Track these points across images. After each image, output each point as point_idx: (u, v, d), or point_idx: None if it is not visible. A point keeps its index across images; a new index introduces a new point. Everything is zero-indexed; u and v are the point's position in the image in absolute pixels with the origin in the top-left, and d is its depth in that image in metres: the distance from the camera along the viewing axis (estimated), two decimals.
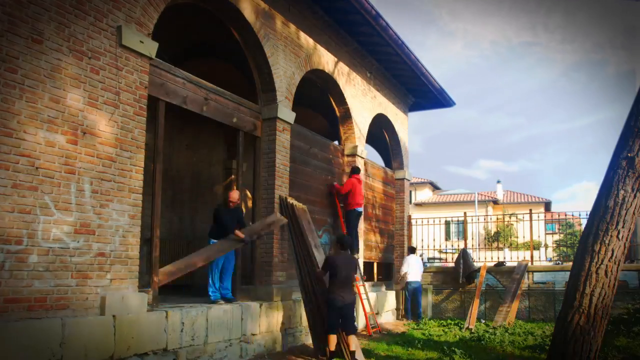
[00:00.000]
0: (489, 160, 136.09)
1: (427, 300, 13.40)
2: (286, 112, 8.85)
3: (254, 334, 7.72)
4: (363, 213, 11.54)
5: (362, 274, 10.25)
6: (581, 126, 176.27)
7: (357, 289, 9.52)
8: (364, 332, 10.33)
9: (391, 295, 13.27)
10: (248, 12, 7.92)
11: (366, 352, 8.37)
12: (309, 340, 9.12)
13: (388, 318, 12.79)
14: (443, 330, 10.90)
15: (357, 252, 10.65)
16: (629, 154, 5.31)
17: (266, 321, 7.97)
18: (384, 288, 13.31)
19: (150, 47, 6.15)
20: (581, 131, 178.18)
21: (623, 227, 5.27)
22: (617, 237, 5.26)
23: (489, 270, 13.11)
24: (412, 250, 13.26)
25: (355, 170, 10.99)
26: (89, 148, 5.42)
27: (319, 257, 8.18)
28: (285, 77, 8.91)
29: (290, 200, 8.74)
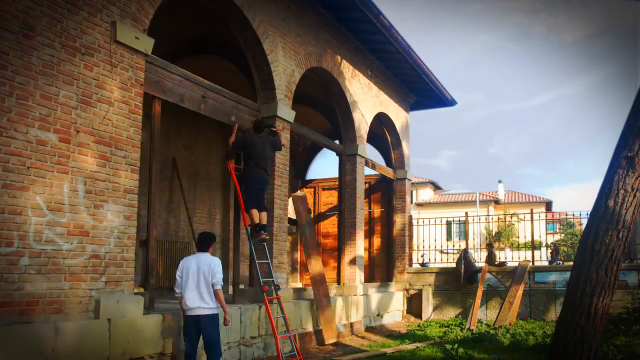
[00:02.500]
0: (451, 149, 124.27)
1: (429, 301, 13.29)
2: (286, 111, 8.70)
3: (253, 337, 7.57)
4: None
5: (275, 281, 7.92)
6: (539, 104, 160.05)
7: (265, 302, 7.41)
8: None
9: (396, 296, 13.16)
10: (247, 8, 7.76)
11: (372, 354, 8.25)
12: (310, 343, 8.99)
13: (390, 319, 12.67)
14: (444, 332, 10.80)
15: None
16: (629, 154, 5.33)
17: (266, 324, 7.82)
18: (390, 289, 13.19)
19: (146, 44, 6.00)
20: (540, 110, 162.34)
21: (623, 226, 5.29)
22: (617, 236, 5.29)
23: (491, 271, 13.01)
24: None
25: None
26: (82, 147, 5.26)
27: None
28: (285, 75, 8.76)
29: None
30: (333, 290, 10.57)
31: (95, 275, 5.35)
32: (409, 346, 9.00)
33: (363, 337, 10.23)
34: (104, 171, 5.48)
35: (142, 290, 6.34)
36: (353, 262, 11.19)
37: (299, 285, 14.63)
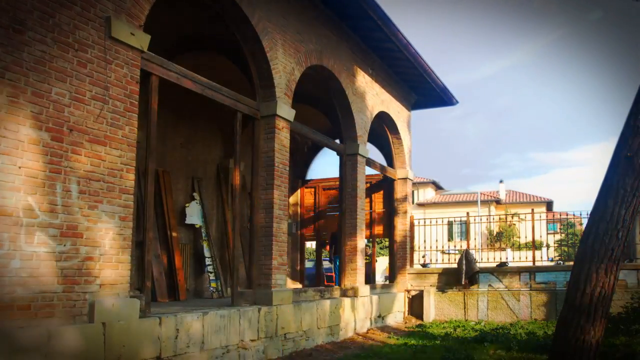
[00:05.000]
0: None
1: (430, 302, 13.16)
2: (285, 109, 8.55)
3: (252, 340, 7.43)
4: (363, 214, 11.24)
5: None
6: (491, 75, 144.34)
7: None
8: None
9: (397, 297, 13.05)
10: (245, 4, 7.60)
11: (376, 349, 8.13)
12: (310, 345, 8.85)
13: (392, 320, 12.55)
14: (446, 332, 10.72)
15: None
16: (628, 154, 5.36)
17: (265, 326, 7.68)
18: (392, 290, 13.05)
19: (142, 40, 5.84)
20: (493, 81, 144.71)
21: (623, 226, 5.32)
22: (617, 236, 5.33)
23: (492, 271, 12.93)
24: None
25: None
26: (76, 146, 5.10)
27: None
28: (285, 73, 8.60)
29: None
30: (334, 291, 10.42)
31: (90, 278, 5.20)
32: (410, 347, 8.88)
33: (364, 338, 10.11)
34: (98, 171, 5.32)
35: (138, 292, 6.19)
36: (354, 262, 11.04)
37: (299, 286, 14.49)
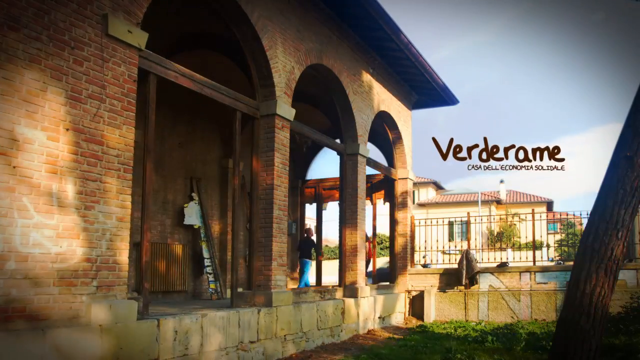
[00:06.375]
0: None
1: (431, 303, 13.09)
2: (285, 109, 8.46)
3: (252, 342, 7.35)
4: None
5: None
6: (446, 57, 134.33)
7: None
8: None
9: (398, 298, 12.99)
10: (245, 2, 7.52)
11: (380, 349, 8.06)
12: (310, 347, 8.78)
13: (392, 321, 12.50)
14: (447, 332, 10.63)
15: None
16: (628, 153, 5.37)
17: (265, 328, 7.60)
18: (392, 290, 12.98)
19: (140, 38, 5.75)
20: (448, 63, 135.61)
21: (622, 226, 5.34)
22: (617, 236, 5.34)
23: (492, 271, 12.87)
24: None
25: None
26: (72, 145, 5.02)
27: None
28: (285, 72, 8.52)
29: None
30: (335, 292, 10.34)
31: (86, 280, 5.12)
32: (411, 347, 8.81)
33: (365, 339, 10.04)
34: (95, 171, 5.24)
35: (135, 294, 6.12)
36: (354, 263, 10.96)
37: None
